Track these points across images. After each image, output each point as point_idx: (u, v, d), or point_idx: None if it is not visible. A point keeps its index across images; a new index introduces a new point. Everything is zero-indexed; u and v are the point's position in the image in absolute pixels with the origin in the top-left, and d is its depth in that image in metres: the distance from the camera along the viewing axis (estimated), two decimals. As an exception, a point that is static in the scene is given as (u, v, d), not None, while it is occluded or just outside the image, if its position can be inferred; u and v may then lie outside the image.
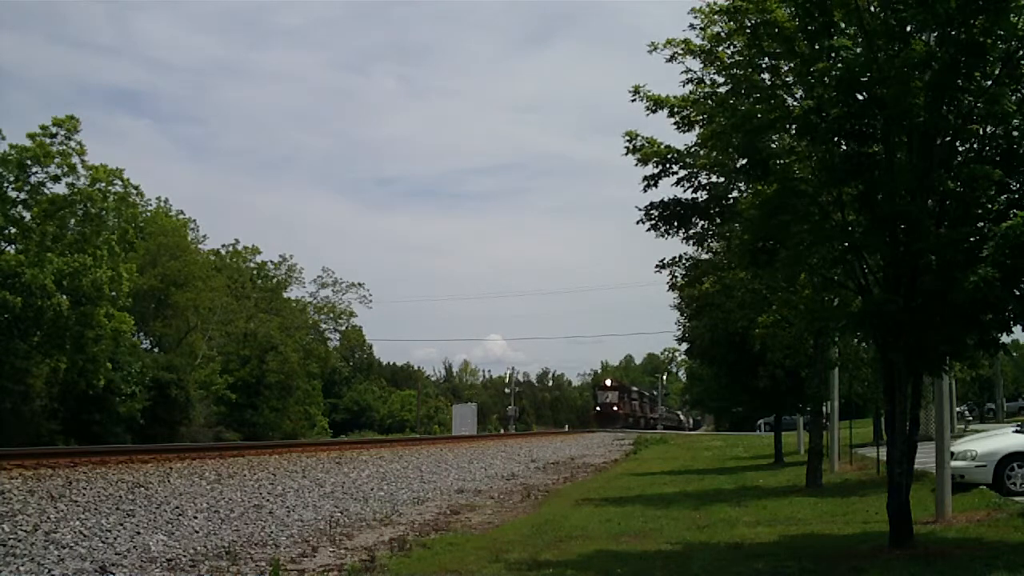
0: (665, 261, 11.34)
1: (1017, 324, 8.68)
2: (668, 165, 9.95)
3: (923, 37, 8.32)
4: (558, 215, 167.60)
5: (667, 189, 10.03)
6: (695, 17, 9.33)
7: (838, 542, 9.86)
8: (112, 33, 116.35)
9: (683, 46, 9.41)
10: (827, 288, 10.36)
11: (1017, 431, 15.04)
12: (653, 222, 10.08)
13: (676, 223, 10.10)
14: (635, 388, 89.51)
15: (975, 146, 8.62)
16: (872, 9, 8.43)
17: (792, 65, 8.79)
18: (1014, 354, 50.16)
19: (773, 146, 9.35)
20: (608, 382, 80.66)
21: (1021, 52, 8.17)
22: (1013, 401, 58.28)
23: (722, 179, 10.01)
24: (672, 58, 9.51)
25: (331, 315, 64.82)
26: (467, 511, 14.17)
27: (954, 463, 12.84)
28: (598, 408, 76.91)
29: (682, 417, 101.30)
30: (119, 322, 32.63)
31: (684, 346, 32.45)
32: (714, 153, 9.67)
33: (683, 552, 9.50)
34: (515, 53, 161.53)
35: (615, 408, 75.46)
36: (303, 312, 61.92)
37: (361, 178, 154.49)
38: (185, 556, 9.28)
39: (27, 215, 32.20)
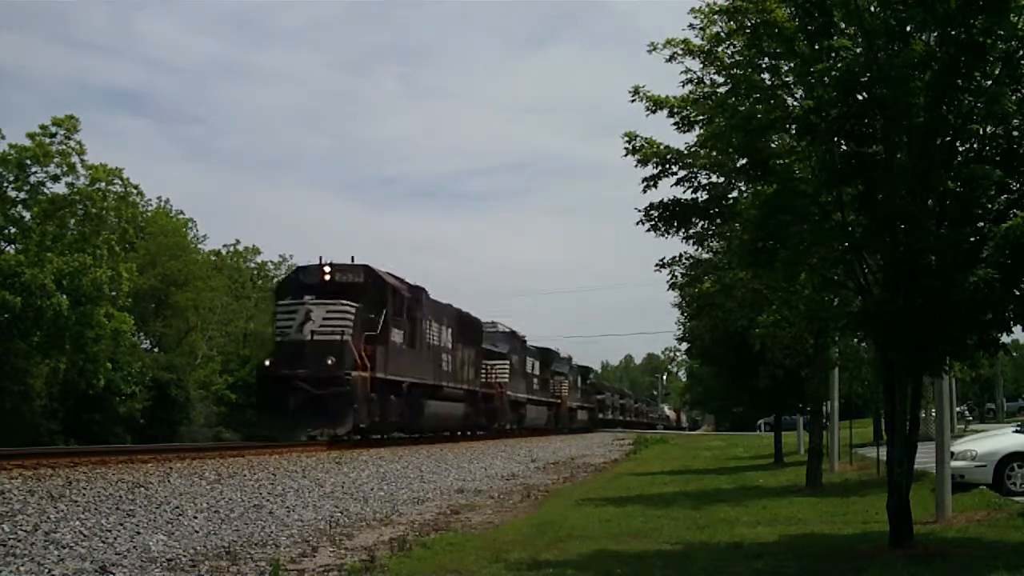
0: (665, 260, 11.35)
1: (1017, 324, 8.67)
2: (668, 165, 9.94)
3: (923, 37, 8.32)
4: (558, 215, 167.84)
5: (667, 189, 10.04)
6: (695, 17, 9.34)
7: (838, 542, 9.86)
8: (112, 33, 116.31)
9: (683, 46, 9.42)
10: (827, 288, 10.36)
11: (1017, 431, 15.06)
12: (653, 222, 10.08)
13: (676, 223, 10.09)
14: (502, 327, 39.17)
15: (975, 146, 8.61)
16: (872, 9, 8.43)
17: (792, 65, 8.79)
18: (1014, 354, 50.23)
19: (773, 146, 9.35)
20: (327, 269, 23.21)
21: (1021, 52, 8.17)
22: (1013, 401, 58.35)
23: (722, 179, 10.01)
24: (672, 58, 9.53)
25: (331, 315, 64.63)
26: (467, 511, 14.16)
27: (954, 463, 12.84)
28: (270, 376, 21.81)
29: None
30: (119, 322, 32.60)
31: (684, 346, 32.55)
32: (714, 153, 9.67)
33: (683, 552, 9.50)
34: (515, 53, 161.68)
35: (330, 365, 20.95)
36: (303, 312, 61.70)
37: (361, 178, 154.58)
38: (185, 556, 9.27)
39: (27, 215, 32.20)
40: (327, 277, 23.22)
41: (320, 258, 23.83)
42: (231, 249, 59.40)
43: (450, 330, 29.54)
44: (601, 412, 61.53)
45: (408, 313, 25.27)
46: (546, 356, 45.83)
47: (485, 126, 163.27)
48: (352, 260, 24.08)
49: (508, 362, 37.23)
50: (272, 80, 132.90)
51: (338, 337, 21.37)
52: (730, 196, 10.05)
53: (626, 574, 8.25)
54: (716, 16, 9.11)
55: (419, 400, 26.17)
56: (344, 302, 22.11)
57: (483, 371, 34.42)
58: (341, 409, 21.06)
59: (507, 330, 39.78)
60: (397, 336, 24.26)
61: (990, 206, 8.42)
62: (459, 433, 31.89)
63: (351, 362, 21.31)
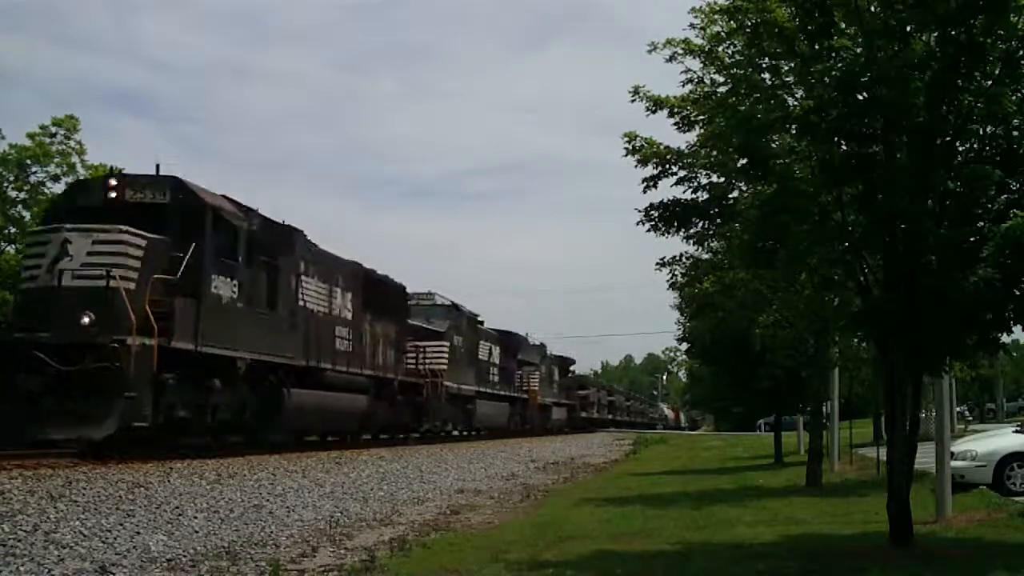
0: (665, 260, 11.34)
1: (1017, 324, 8.67)
2: (668, 166, 9.94)
3: (923, 37, 8.33)
4: (558, 215, 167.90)
5: (667, 190, 10.03)
6: (695, 17, 9.34)
7: (838, 542, 9.86)
8: (113, 33, 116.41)
9: (683, 46, 9.41)
10: (827, 288, 10.36)
11: (1017, 431, 15.10)
12: (653, 223, 10.06)
13: (676, 223, 10.08)
14: (440, 298, 31.04)
15: (975, 146, 8.62)
16: (872, 9, 8.44)
17: (792, 65, 8.80)
18: (1014, 354, 50.28)
19: (773, 146, 9.35)
20: (112, 183, 15.57)
21: (1021, 52, 8.17)
22: (1013, 401, 58.44)
23: (722, 179, 10.01)
24: (672, 58, 9.51)
25: (331, 315, 64.61)
26: (467, 511, 14.16)
27: (954, 463, 12.85)
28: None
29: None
30: (119, 322, 32.66)
31: (684, 346, 32.63)
32: (714, 153, 9.68)
33: (683, 552, 9.50)
34: (515, 53, 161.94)
35: (86, 325, 13.15)
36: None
37: (361, 178, 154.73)
38: (185, 556, 9.27)
39: (27, 215, 32.26)
40: (112, 194, 15.24)
41: (111, 168, 15.69)
42: (231, 249, 59.45)
43: (350, 294, 21.74)
44: (584, 410, 54.25)
45: (256, 257, 17.12)
46: (509, 341, 37.14)
47: (485, 126, 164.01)
48: (157, 171, 15.91)
49: (447, 344, 28.78)
50: (272, 80, 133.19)
51: (102, 282, 13.49)
52: (730, 196, 10.04)
53: (626, 574, 8.25)
54: (716, 16, 9.11)
55: (276, 388, 18.08)
56: (122, 228, 14.13)
57: (409, 354, 26.49)
58: (100, 398, 13.07)
59: (447, 303, 30.47)
60: (226, 288, 15.91)
61: (990, 206, 8.41)
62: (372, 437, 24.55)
63: (124, 322, 13.39)
